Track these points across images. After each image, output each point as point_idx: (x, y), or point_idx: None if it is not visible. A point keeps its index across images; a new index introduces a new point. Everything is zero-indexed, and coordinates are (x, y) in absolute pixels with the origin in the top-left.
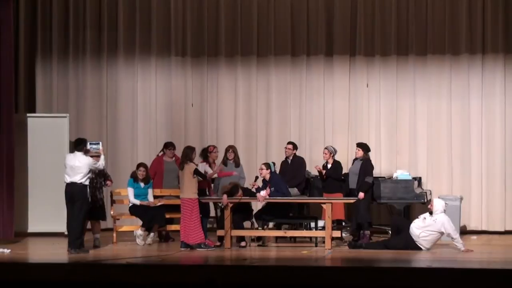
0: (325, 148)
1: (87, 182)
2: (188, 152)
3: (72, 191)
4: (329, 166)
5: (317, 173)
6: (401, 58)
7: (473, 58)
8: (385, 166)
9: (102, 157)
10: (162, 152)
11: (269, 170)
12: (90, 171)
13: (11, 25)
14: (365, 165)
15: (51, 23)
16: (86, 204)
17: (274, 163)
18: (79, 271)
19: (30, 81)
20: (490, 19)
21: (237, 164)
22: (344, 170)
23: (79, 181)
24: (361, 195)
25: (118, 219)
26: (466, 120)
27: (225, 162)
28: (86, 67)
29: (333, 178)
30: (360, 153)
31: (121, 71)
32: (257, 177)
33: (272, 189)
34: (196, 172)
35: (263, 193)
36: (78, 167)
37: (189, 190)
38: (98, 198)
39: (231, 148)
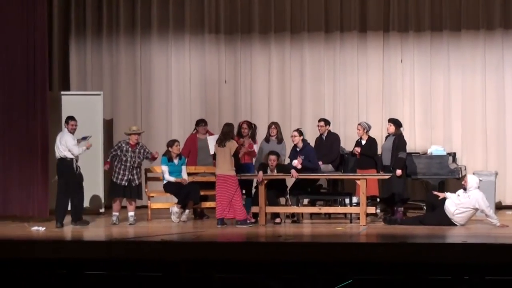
0: (359, 124)
1: (71, 156)
2: (230, 129)
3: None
4: (363, 142)
5: (351, 150)
6: (435, 33)
7: (507, 32)
8: (419, 142)
9: (83, 148)
10: (195, 130)
11: (301, 137)
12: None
13: (45, 2)
14: (398, 140)
15: (84, 1)
16: (71, 177)
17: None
18: (114, 248)
19: (64, 59)
20: None
21: (280, 140)
22: (379, 146)
23: (63, 156)
24: (399, 172)
25: (153, 196)
26: (501, 95)
27: (267, 138)
28: (120, 44)
29: (367, 156)
30: (392, 128)
31: (155, 48)
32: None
33: (302, 157)
34: (236, 151)
35: (295, 162)
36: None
37: (228, 166)
38: (134, 177)
39: (274, 125)
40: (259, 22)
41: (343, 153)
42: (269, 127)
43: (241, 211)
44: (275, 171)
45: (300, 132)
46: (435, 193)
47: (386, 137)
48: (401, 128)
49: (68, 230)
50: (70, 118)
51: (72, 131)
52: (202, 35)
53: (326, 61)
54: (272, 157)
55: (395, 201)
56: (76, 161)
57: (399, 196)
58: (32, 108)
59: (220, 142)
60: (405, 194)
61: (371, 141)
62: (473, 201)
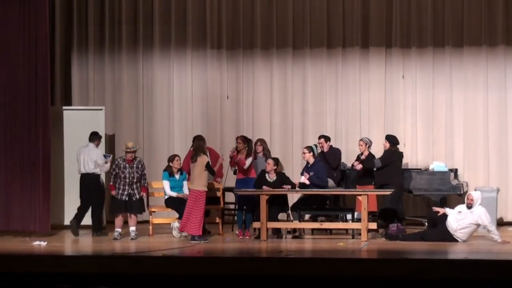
0: (360, 139)
1: (99, 172)
2: (201, 144)
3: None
4: (363, 157)
5: (351, 165)
6: (437, 50)
7: (509, 49)
8: (421, 158)
9: (107, 166)
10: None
11: (311, 153)
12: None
13: (47, 18)
14: (384, 153)
15: (87, 17)
16: (99, 192)
17: (316, 145)
18: (116, 263)
19: (66, 74)
20: None
21: (267, 157)
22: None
23: (91, 172)
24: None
25: (154, 211)
26: (503, 112)
27: (255, 155)
28: (122, 60)
29: (366, 172)
30: (387, 145)
31: (157, 64)
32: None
33: (312, 173)
34: (208, 166)
35: (302, 178)
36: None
37: (199, 182)
38: (135, 191)
39: (259, 141)
40: (261, 38)
41: (344, 169)
42: (255, 144)
43: (198, 226)
44: (274, 175)
45: (310, 149)
46: (435, 209)
47: None
48: (398, 146)
49: (70, 246)
50: (98, 135)
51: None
52: (204, 50)
53: (328, 77)
54: (269, 160)
55: (389, 216)
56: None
57: (393, 212)
58: (34, 123)
59: (192, 158)
60: (400, 211)
61: (371, 158)
62: (475, 216)
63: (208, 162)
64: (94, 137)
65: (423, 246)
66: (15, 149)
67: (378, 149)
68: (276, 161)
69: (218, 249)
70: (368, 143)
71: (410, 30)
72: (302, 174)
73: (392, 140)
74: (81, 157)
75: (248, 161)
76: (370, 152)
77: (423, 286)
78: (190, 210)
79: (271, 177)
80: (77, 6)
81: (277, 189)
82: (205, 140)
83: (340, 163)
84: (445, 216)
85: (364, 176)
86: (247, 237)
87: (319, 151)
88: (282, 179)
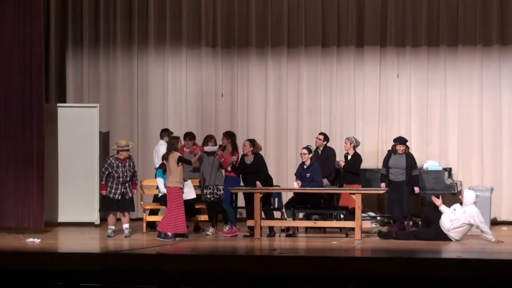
0: (346, 138)
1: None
2: (173, 142)
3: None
4: (349, 157)
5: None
6: (432, 49)
7: (504, 48)
8: (415, 157)
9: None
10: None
11: (310, 155)
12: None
13: (41, 15)
14: (411, 158)
15: (81, 14)
16: None
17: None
18: (109, 260)
19: (61, 71)
20: None
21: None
22: (373, 161)
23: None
24: (417, 189)
25: (148, 209)
26: (497, 111)
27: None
28: (117, 58)
29: (350, 172)
30: (403, 148)
31: (152, 61)
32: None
33: (308, 175)
34: (180, 159)
35: (294, 184)
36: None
37: (173, 178)
38: (127, 190)
39: (213, 138)
40: (256, 36)
41: (338, 167)
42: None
43: (167, 223)
44: (251, 157)
45: (309, 150)
46: (434, 198)
47: (390, 153)
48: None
49: (64, 243)
50: (169, 131)
51: None
52: (199, 48)
53: (323, 76)
54: (244, 142)
55: (406, 216)
56: None
57: (409, 212)
58: (28, 120)
59: (165, 157)
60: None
61: (356, 158)
62: (468, 216)
63: (179, 156)
64: (163, 133)
65: (417, 245)
66: (9, 146)
67: (372, 149)
68: (252, 142)
69: (211, 247)
70: (354, 143)
71: (405, 29)
72: (296, 175)
73: (406, 141)
74: (154, 153)
75: (232, 160)
76: (356, 152)
77: (416, 285)
78: (168, 208)
79: (249, 159)
80: (72, 4)
81: (270, 188)
82: (179, 138)
83: (334, 165)
84: (439, 215)
85: (349, 175)
86: (236, 233)
87: (321, 148)
88: (258, 161)
